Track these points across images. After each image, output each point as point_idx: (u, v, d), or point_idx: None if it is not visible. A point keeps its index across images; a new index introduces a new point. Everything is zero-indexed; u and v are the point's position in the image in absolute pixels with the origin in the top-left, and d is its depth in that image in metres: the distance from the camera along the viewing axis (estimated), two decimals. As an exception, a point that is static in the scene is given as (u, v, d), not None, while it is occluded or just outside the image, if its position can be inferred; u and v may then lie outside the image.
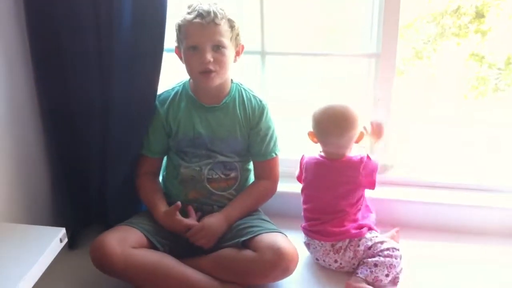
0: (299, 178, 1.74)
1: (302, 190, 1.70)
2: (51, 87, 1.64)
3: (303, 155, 1.73)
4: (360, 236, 1.56)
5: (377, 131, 1.75)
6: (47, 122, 1.70)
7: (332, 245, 1.57)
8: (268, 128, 1.66)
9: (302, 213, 1.68)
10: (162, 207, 1.60)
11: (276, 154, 1.69)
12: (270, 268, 1.44)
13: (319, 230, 1.59)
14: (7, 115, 1.57)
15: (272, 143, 1.68)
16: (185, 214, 1.59)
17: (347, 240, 1.56)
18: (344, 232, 1.56)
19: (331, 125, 1.59)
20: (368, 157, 1.61)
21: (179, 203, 1.56)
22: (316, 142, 1.67)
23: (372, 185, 1.61)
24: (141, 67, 1.58)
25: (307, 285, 1.57)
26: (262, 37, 1.80)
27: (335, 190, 1.60)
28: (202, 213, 1.62)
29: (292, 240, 1.51)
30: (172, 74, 1.69)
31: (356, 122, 1.59)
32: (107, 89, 1.61)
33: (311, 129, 1.66)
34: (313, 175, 1.66)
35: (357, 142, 1.64)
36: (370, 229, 1.60)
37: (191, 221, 1.56)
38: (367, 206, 1.68)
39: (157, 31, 1.54)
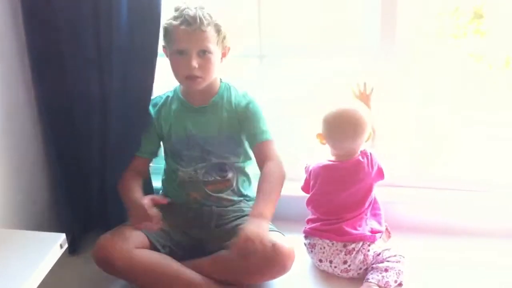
0: (305, 189, 1.72)
1: (312, 197, 1.68)
2: (49, 88, 1.65)
3: (306, 165, 1.72)
4: (373, 241, 1.57)
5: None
6: (45, 123, 1.70)
7: (345, 245, 1.57)
8: (256, 110, 1.64)
9: (310, 217, 1.68)
10: (136, 192, 1.58)
11: (270, 138, 1.64)
12: (267, 265, 1.46)
13: (333, 229, 1.59)
14: (4, 116, 1.57)
15: (262, 124, 1.63)
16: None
17: (361, 243, 1.56)
18: (360, 233, 1.57)
19: (346, 130, 1.58)
20: (365, 151, 1.63)
21: (167, 200, 1.62)
22: (324, 144, 1.66)
23: (382, 174, 1.63)
24: (137, 67, 1.59)
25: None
26: (260, 39, 1.81)
27: (348, 190, 1.61)
28: (202, 214, 1.64)
29: (290, 241, 1.51)
30: (167, 79, 1.68)
31: (367, 124, 1.59)
32: (105, 90, 1.62)
33: (319, 131, 1.64)
34: (324, 179, 1.65)
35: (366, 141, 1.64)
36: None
37: (155, 212, 1.52)
38: (376, 203, 1.68)
39: (151, 32, 1.54)
